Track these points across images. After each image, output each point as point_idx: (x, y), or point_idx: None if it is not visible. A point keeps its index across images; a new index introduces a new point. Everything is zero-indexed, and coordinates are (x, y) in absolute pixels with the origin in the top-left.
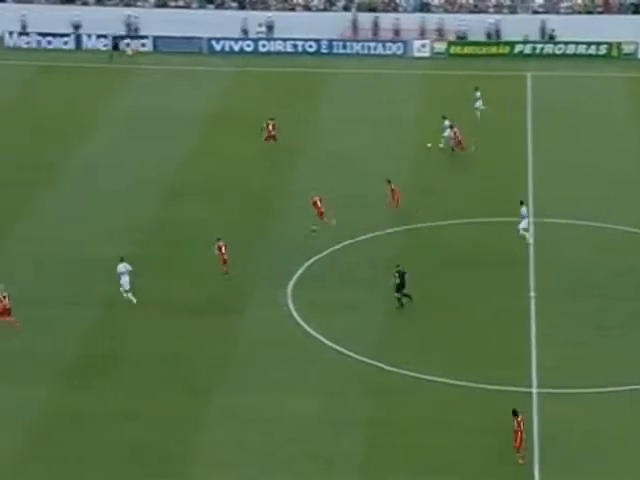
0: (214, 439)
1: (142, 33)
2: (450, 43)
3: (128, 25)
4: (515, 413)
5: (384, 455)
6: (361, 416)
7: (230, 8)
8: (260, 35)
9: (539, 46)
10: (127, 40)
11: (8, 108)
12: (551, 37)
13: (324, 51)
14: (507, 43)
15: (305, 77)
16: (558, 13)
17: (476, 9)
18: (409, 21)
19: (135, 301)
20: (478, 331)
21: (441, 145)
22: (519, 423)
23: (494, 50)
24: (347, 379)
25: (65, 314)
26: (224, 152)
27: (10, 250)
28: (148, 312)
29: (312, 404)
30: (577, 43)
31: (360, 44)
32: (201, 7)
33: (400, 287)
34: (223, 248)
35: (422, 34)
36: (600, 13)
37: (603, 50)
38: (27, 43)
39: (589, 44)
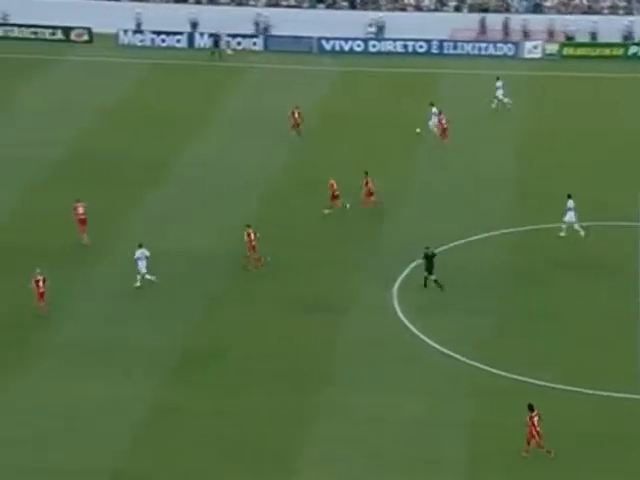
0: (319, 436)
1: (252, 32)
2: (563, 44)
3: (256, 24)
4: (531, 408)
5: (489, 459)
6: (466, 418)
7: (341, 8)
8: (370, 35)
9: None
10: (227, 39)
11: (121, 106)
12: None
13: (434, 51)
14: (621, 45)
15: (415, 77)
16: None
17: (590, 10)
18: (520, 22)
19: (155, 279)
20: (588, 336)
21: (418, 130)
22: (531, 418)
23: (607, 52)
24: (453, 381)
25: (171, 308)
26: (330, 152)
27: (120, 248)
28: (254, 308)
29: (417, 405)
30: None
31: (471, 45)
32: (312, 7)
33: (429, 269)
34: (252, 235)
35: (532, 35)
36: None
37: None
38: (141, 41)
39: None
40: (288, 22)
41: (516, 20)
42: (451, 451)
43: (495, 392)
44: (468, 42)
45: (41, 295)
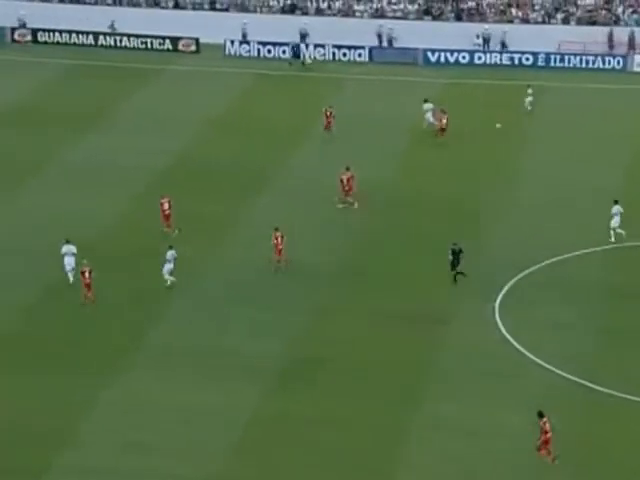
0: (418, 448)
1: (358, 44)
2: None
3: (379, 35)
4: (540, 415)
5: (592, 474)
6: (566, 433)
7: (447, 20)
8: (476, 47)
9: None
10: (306, 50)
11: (226, 116)
12: None
13: (541, 64)
14: None
15: (520, 90)
16: None
17: None
18: (628, 34)
19: (172, 281)
20: None
21: (498, 125)
22: (544, 424)
23: None
24: (553, 396)
25: (276, 318)
26: (432, 164)
27: (229, 254)
28: (357, 319)
29: (516, 419)
30: None
31: (578, 57)
32: (418, 18)
33: (454, 264)
34: (279, 239)
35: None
36: None
37: None
38: (247, 51)
39: None
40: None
41: (624, 33)
42: (551, 468)
43: (595, 408)
44: (575, 55)
45: (87, 286)
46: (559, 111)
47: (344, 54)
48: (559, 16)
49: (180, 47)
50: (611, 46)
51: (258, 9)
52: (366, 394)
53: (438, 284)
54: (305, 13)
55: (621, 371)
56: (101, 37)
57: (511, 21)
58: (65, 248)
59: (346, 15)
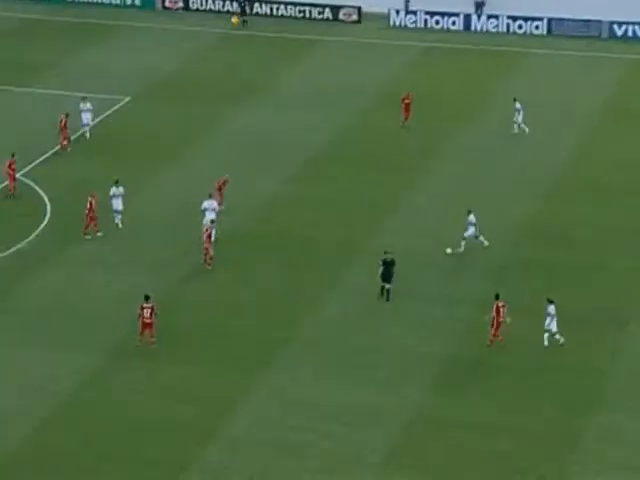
0: (586, 458)
1: (536, 15)
2: None
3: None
4: (497, 297)
5: None
6: None
7: None
8: None
9: None
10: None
11: (388, 90)
12: None
13: None
14: None
15: None
16: None
17: None
18: None
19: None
20: None
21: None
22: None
23: None
24: None
25: (442, 313)
26: (615, 151)
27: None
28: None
29: None
30: None
31: None
32: None
33: (385, 277)
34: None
35: None
36: None
37: None
38: (413, 22)
39: None
40: (573, 4)
41: None
42: None
43: None
44: None
45: (145, 326)
46: None
47: (519, 26)
48: None
49: (341, 16)
50: None
51: None
52: (531, 400)
53: (614, 281)
54: None
55: None
56: (256, 5)
57: None
58: (206, 203)
59: None
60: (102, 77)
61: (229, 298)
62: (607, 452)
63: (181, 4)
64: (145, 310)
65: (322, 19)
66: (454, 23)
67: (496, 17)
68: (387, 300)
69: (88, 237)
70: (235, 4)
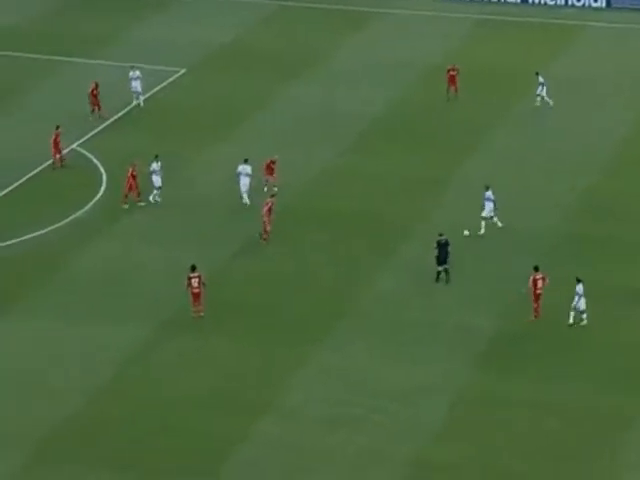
0: (638, 437)
1: None
2: None
3: None
4: (536, 269)
5: None
6: None
7: None
8: None
9: None
10: None
11: (440, 63)
12: None
13: None
14: None
15: None
16: None
17: None
18: None
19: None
20: None
21: None
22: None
23: None
24: None
25: (492, 288)
26: None
27: (437, 218)
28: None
29: None
30: None
31: None
32: None
33: (440, 260)
34: None
35: None
36: None
37: None
38: None
39: None
40: None
41: None
42: None
43: None
44: None
45: (195, 296)
46: None
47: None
48: None
49: None
50: None
51: None
52: (581, 378)
53: None
54: None
55: None
56: None
57: None
58: (241, 167)
59: None
60: (158, 49)
61: (281, 273)
62: None
63: None
64: (193, 280)
65: None
66: None
67: None
68: (447, 282)
69: (142, 204)
70: None
